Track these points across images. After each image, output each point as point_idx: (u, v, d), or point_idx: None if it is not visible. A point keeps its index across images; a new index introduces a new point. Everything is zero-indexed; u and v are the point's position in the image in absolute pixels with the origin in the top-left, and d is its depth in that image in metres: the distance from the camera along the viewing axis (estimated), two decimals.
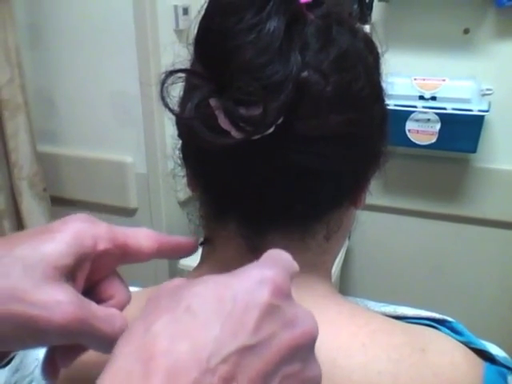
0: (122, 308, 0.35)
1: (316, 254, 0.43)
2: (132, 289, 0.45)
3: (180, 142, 0.43)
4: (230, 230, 0.41)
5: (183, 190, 0.48)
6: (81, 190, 1.62)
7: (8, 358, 0.51)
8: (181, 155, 0.44)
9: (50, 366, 0.34)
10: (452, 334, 0.43)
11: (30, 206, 1.43)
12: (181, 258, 0.40)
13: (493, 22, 1.41)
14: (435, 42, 1.48)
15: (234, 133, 0.34)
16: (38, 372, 0.45)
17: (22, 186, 1.40)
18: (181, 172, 0.46)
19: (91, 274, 0.34)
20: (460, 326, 0.45)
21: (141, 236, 0.36)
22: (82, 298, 0.31)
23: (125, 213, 1.58)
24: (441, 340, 0.41)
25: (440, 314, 0.47)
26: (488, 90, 1.41)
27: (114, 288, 0.36)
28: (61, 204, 1.61)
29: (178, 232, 0.38)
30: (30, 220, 1.43)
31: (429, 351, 0.39)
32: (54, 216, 1.50)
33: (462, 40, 1.46)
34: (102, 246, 0.33)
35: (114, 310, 0.33)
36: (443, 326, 0.45)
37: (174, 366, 0.23)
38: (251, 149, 0.35)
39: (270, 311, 0.26)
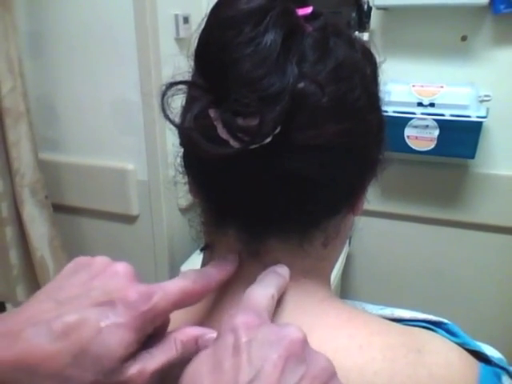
0: None
1: (314, 259, 0.43)
2: None
3: (182, 150, 0.44)
4: (230, 236, 0.42)
5: (184, 197, 0.49)
6: (82, 197, 1.62)
7: None
8: (182, 163, 0.45)
9: None
10: (447, 335, 0.44)
11: (32, 213, 1.44)
12: None
13: (490, 28, 1.42)
14: (433, 48, 1.49)
15: (233, 142, 0.35)
16: None
17: (24, 194, 1.41)
18: (182, 179, 0.46)
19: None
20: (455, 328, 0.45)
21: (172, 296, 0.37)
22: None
23: (126, 220, 1.59)
24: (436, 341, 0.42)
25: (438, 317, 0.47)
26: (486, 96, 1.42)
27: None
28: (62, 211, 1.62)
29: (179, 238, 0.39)
30: (32, 227, 1.44)
31: (424, 352, 0.39)
32: (55, 223, 1.51)
33: (459, 47, 1.47)
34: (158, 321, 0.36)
35: None
36: (439, 328, 0.45)
37: None
38: (250, 158, 0.36)
39: (250, 345, 0.31)
